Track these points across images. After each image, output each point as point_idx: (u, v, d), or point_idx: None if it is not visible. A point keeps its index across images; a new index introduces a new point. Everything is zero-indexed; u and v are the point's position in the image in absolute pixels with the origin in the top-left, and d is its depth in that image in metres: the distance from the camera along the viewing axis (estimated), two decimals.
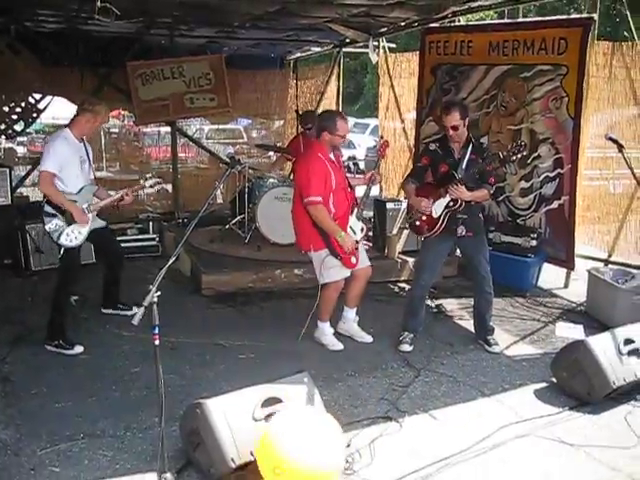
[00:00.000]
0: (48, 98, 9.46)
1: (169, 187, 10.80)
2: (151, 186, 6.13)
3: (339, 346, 5.78)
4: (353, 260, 5.68)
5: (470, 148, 5.47)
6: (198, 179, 11.53)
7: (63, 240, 5.50)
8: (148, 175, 6.12)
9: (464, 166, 5.41)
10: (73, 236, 5.52)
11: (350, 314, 6.06)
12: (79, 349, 5.61)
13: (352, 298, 5.97)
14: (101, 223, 5.88)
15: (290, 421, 3.59)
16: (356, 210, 5.74)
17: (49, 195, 5.46)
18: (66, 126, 5.71)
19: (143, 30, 9.07)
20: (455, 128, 5.40)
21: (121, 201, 5.94)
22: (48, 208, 5.48)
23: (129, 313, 6.27)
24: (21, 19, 8.51)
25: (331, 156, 5.68)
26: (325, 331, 5.87)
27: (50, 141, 5.64)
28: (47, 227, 5.48)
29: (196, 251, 7.86)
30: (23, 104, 9.27)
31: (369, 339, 5.94)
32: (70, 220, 5.50)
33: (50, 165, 5.40)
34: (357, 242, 5.69)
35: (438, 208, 5.47)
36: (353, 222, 5.71)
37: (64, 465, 3.86)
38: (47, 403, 4.64)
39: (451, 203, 5.42)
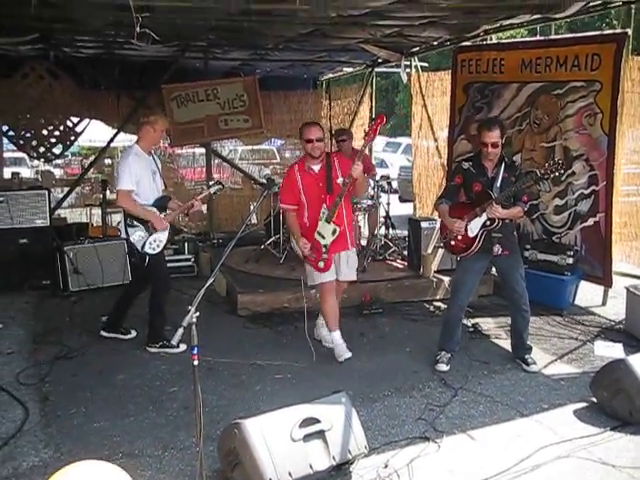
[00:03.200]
0: (85, 121, 9.64)
1: (204, 208, 10.89)
2: (215, 192, 6.27)
3: (347, 355, 5.85)
4: (320, 265, 5.81)
5: (503, 166, 5.45)
6: (232, 200, 11.64)
7: (147, 249, 5.86)
8: (211, 182, 6.30)
9: (498, 185, 5.38)
10: (155, 244, 5.88)
11: (321, 320, 6.29)
12: (183, 347, 5.79)
13: None
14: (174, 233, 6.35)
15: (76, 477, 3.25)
16: (326, 213, 5.73)
17: (129, 210, 5.81)
18: (136, 142, 6.03)
19: (178, 54, 9.22)
20: (495, 145, 5.38)
21: (191, 208, 6.18)
22: (130, 221, 5.83)
23: (127, 337, 6.45)
24: (60, 45, 8.71)
25: (314, 167, 5.83)
26: (335, 340, 5.97)
27: (123, 159, 5.94)
28: (132, 238, 5.85)
29: (231, 271, 7.92)
30: (61, 127, 9.46)
31: (335, 344, 5.99)
32: (151, 230, 5.84)
33: (126, 183, 5.75)
34: (327, 247, 5.76)
35: (474, 227, 5.44)
36: (322, 226, 5.77)
37: None
38: (86, 422, 4.68)
39: (488, 222, 5.39)
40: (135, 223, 5.83)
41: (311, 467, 3.70)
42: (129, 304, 6.44)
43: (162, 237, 5.91)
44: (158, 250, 5.91)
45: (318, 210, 5.78)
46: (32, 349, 6.15)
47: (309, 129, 5.84)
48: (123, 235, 6.00)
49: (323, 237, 5.77)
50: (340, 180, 5.72)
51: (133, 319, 6.67)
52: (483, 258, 5.62)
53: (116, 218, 10.41)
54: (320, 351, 6.07)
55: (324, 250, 5.77)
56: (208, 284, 3.56)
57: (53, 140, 9.56)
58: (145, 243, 5.83)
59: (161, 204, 6.01)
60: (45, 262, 8.06)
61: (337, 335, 5.98)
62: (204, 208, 10.87)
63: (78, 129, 9.63)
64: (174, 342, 3.29)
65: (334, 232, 5.74)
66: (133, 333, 6.45)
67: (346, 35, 8.00)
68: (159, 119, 6.01)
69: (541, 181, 5.38)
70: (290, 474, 3.60)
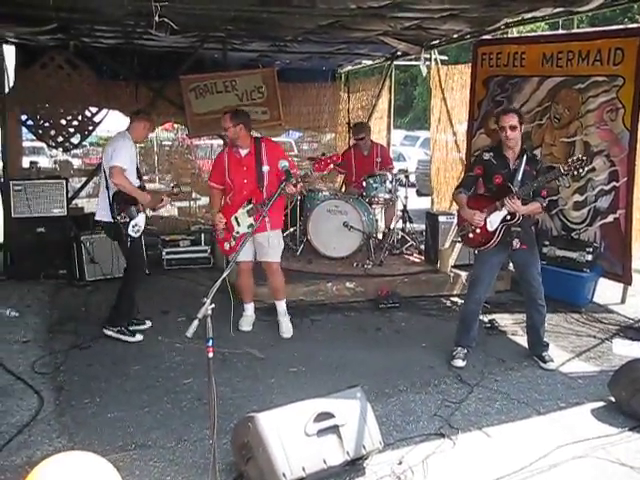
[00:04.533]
0: (104, 111, 9.63)
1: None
2: (176, 194, 6.66)
3: (244, 328, 6.46)
4: (226, 246, 6.22)
5: (525, 159, 5.38)
6: None
7: (130, 231, 5.93)
8: (172, 184, 6.66)
9: (520, 178, 5.32)
10: (137, 228, 5.97)
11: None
12: (139, 337, 6.01)
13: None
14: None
15: (58, 468, 3.19)
16: (250, 206, 6.00)
17: (123, 186, 5.87)
18: (127, 131, 6.11)
19: (197, 44, 9.19)
20: (513, 128, 5.31)
21: (160, 203, 6.46)
22: (118, 203, 5.91)
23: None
24: (79, 35, 8.71)
25: (241, 152, 6.15)
26: (247, 310, 6.61)
27: (120, 140, 6.01)
28: (118, 219, 5.91)
29: None
30: (80, 117, 9.45)
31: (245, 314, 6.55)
32: (133, 214, 5.91)
33: (122, 160, 5.85)
34: (238, 233, 6.08)
35: (494, 222, 5.37)
36: (241, 215, 6.08)
37: None
38: (100, 413, 4.68)
39: (508, 217, 5.32)
40: (120, 206, 5.91)
41: (325, 462, 3.68)
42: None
43: (141, 222, 6.00)
44: (138, 235, 6.00)
45: (240, 192, 6.12)
46: (48, 338, 6.18)
47: (224, 117, 6.16)
48: (101, 218, 6.05)
49: (239, 224, 6.11)
50: (265, 169, 6.05)
51: (149, 310, 6.71)
52: (501, 252, 5.56)
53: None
54: (336, 344, 6.05)
55: (234, 235, 6.13)
56: (224, 276, 3.54)
57: (71, 130, 9.55)
58: (128, 225, 5.91)
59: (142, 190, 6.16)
60: (62, 251, 8.09)
61: (250, 306, 6.61)
62: None
63: (96, 119, 9.62)
64: (188, 334, 3.25)
65: (250, 226, 5.95)
66: (148, 323, 6.47)
67: (365, 27, 7.93)
68: (153, 120, 6.32)
69: (564, 177, 5.31)
70: (304, 469, 3.58)
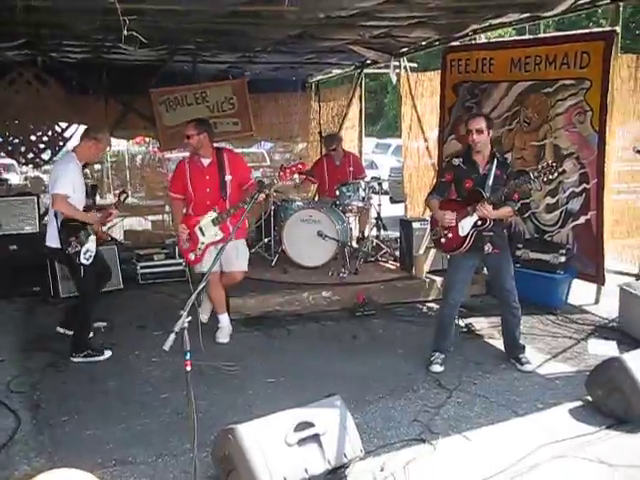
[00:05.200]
0: (74, 126, 9.56)
1: None
2: (124, 200, 6.54)
3: (221, 340, 6.45)
4: (191, 256, 6.22)
5: (495, 163, 5.43)
6: None
7: (82, 259, 5.80)
8: (118, 192, 6.58)
9: (490, 183, 5.37)
10: (88, 254, 5.84)
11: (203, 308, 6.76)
12: (108, 353, 5.98)
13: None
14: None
15: None
16: (214, 215, 6.07)
17: (68, 214, 5.73)
18: (72, 151, 6.02)
19: (166, 57, 9.17)
20: (480, 132, 5.36)
21: (109, 217, 6.30)
22: (66, 236, 5.75)
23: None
24: (47, 50, 8.65)
25: (203, 161, 6.17)
26: (222, 322, 6.57)
27: (64, 164, 5.89)
28: (69, 250, 5.75)
29: None
30: (50, 133, 9.39)
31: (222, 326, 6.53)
32: (84, 240, 5.78)
33: (64, 188, 5.67)
34: (203, 244, 6.13)
35: (465, 227, 5.42)
36: (205, 225, 6.12)
37: None
38: (78, 430, 4.63)
39: (479, 222, 5.37)
40: (70, 235, 5.76)
41: (306, 471, 3.67)
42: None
43: (92, 247, 5.87)
44: (91, 260, 5.86)
45: (203, 202, 6.14)
46: (23, 357, 6.09)
47: (186, 125, 6.24)
48: (50, 244, 5.88)
49: (203, 234, 6.14)
50: (228, 178, 6.13)
51: (125, 325, 6.67)
52: (474, 256, 5.60)
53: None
54: (313, 353, 6.05)
55: (200, 246, 6.15)
56: (200, 288, 3.53)
57: (42, 146, 9.48)
58: (80, 253, 5.78)
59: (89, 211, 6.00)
60: (35, 269, 7.99)
61: (225, 317, 6.58)
62: None
63: (67, 134, 9.55)
64: (166, 348, 3.22)
65: (215, 235, 6.11)
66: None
67: (334, 37, 7.97)
68: (104, 138, 6.07)
69: (533, 182, 5.38)
70: (285, 479, 3.56)
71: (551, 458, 4.14)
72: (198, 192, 6.17)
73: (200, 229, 6.13)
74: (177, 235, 6.38)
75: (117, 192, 6.50)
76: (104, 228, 7.45)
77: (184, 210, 6.35)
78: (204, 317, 6.72)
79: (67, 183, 5.68)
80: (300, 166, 5.63)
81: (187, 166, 6.25)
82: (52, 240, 5.85)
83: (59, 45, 8.33)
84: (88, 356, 5.95)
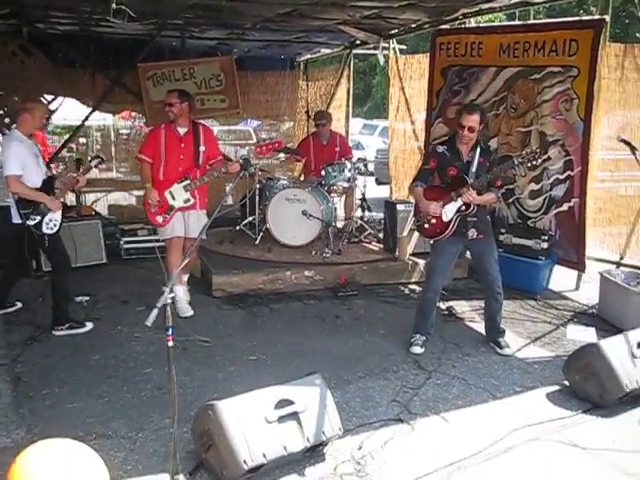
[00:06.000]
0: (60, 99, 9.50)
1: None
2: (95, 166, 6.44)
3: (188, 312, 6.44)
4: (159, 219, 6.37)
5: (479, 151, 5.46)
6: (212, 180, 11.54)
7: (45, 229, 5.86)
8: (90, 157, 6.73)
9: (474, 170, 5.39)
10: (52, 224, 5.90)
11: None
12: (90, 325, 6.05)
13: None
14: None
15: (45, 455, 3.29)
16: (187, 182, 6.28)
17: (22, 194, 5.78)
18: (16, 128, 6.00)
19: (154, 32, 9.12)
20: (471, 130, 5.38)
21: (77, 184, 6.20)
22: (22, 206, 5.80)
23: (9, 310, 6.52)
24: (33, 21, 8.56)
25: (180, 130, 6.34)
26: (178, 294, 6.26)
27: (6, 146, 5.92)
28: (28, 223, 5.79)
29: (206, 252, 7.85)
30: None
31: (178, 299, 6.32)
32: (44, 210, 5.83)
33: (14, 169, 5.73)
34: (172, 208, 6.31)
35: (449, 212, 5.45)
36: (176, 189, 6.31)
37: None
38: (59, 403, 4.65)
39: (463, 207, 5.40)
40: (27, 210, 5.80)
41: (285, 449, 3.71)
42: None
43: (57, 216, 5.93)
44: (55, 229, 5.93)
45: (175, 168, 6.32)
46: (4, 330, 6.07)
47: (168, 95, 6.41)
48: (15, 220, 5.89)
49: (174, 198, 6.32)
50: (202, 148, 6.35)
51: (108, 300, 6.68)
52: (458, 241, 5.64)
53: (90, 197, 10.35)
54: (295, 332, 6.08)
55: (168, 209, 6.32)
56: (182, 265, 3.54)
57: None
58: (42, 224, 5.83)
59: (49, 185, 5.97)
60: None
61: (180, 290, 6.46)
62: None
63: (52, 107, 9.48)
64: (148, 323, 3.24)
65: (187, 201, 6.34)
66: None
67: (325, 16, 7.95)
68: (37, 106, 6.10)
69: (517, 167, 5.41)
70: (264, 455, 3.60)
71: (527, 440, 4.21)
72: (171, 158, 6.33)
73: (170, 193, 6.32)
74: (144, 196, 6.46)
75: (90, 158, 6.45)
76: (88, 202, 7.45)
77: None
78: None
79: (14, 163, 5.73)
80: (277, 144, 5.70)
81: (163, 132, 6.37)
82: (15, 217, 5.89)
83: (45, 16, 8.26)
84: (70, 328, 5.97)
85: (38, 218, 5.80)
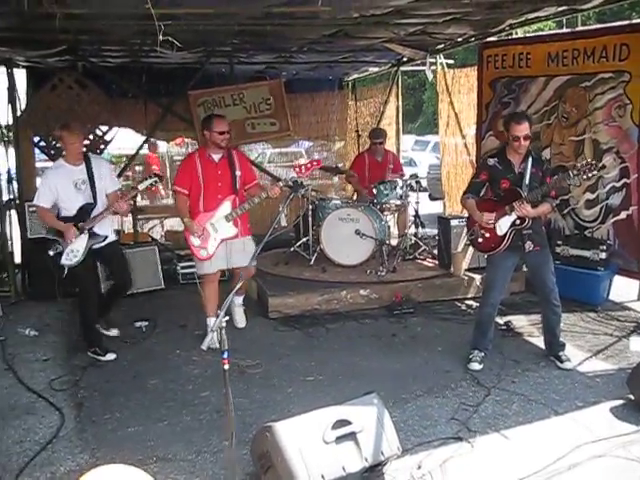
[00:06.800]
0: (114, 130, 9.71)
1: None
2: (146, 188, 6.31)
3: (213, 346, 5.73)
4: (203, 253, 6.17)
5: (530, 161, 5.39)
6: (261, 203, 11.63)
7: (64, 260, 5.88)
8: (141, 178, 6.60)
9: (527, 181, 5.33)
10: (72, 255, 5.87)
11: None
12: (111, 356, 6.05)
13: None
14: (99, 240, 6.04)
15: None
16: (228, 211, 6.15)
17: (44, 222, 6.01)
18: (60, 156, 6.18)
19: (203, 60, 9.27)
20: (527, 138, 5.32)
21: (116, 213, 6.29)
22: (50, 236, 5.93)
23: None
24: (87, 55, 8.81)
25: (214, 156, 6.22)
26: (209, 326, 6.14)
27: (42, 176, 6.15)
28: (50, 253, 5.88)
29: (262, 274, 7.91)
30: (91, 137, 9.52)
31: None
32: (66, 241, 5.86)
33: (37, 199, 5.91)
34: (216, 240, 6.16)
35: (503, 226, 5.38)
36: (218, 221, 6.16)
37: None
38: (120, 427, 4.73)
39: (518, 221, 5.33)
40: (53, 238, 5.90)
41: (344, 469, 3.69)
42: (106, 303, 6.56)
43: (78, 247, 5.86)
44: (75, 260, 5.86)
45: (214, 196, 6.18)
46: (67, 356, 6.22)
47: (221, 122, 6.25)
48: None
49: (216, 230, 6.16)
50: (238, 173, 6.24)
51: (166, 324, 6.78)
52: (513, 255, 5.56)
53: (147, 225, 10.55)
54: (352, 352, 6.07)
55: (212, 242, 6.17)
56: (237, 288, 3.58)
57: (83, 149, 9.65)
58: (61, 255, 5.85)
59: (83, 210, 5.92)
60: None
61: (211, 322, 6.22)
62: None
63: (107, 137, 9.70)
64: (203, 347, 3.31)
65: (229, 231, 6.19)
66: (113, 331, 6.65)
67: (370, 35, 7.97)
68: (63, 133, 5.99)
69: (572, 179, 5.31)
70: (323, 476, 3.59)
71: (591, 457, 4.10)
72: (210, 187, 6.19)
73: (212, 225, 6.17)
74: (185, 230, 6.30)
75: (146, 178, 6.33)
76: (145, 229, 7.52)
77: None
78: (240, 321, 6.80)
79: (41, 194, 5.89)
80: (315, 163, 5.69)
81: (198, 160, 6.24)
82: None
83: (98, 50, 8.50)
84: (95, 353, 6.08)
85: (59, 248, 5.85)
